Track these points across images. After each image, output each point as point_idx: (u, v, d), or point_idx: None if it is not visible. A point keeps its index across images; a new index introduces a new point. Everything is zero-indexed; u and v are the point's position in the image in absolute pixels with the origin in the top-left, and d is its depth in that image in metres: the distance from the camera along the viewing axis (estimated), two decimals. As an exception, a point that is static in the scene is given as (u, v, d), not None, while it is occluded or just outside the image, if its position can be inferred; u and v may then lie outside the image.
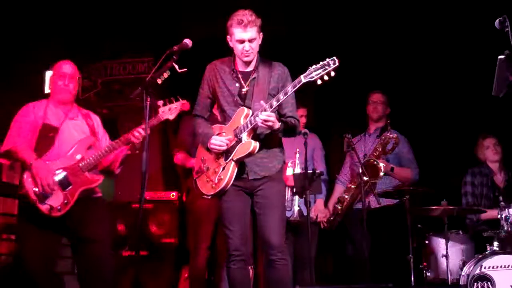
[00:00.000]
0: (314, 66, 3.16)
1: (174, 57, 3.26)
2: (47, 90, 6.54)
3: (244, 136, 3.37)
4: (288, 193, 4.61)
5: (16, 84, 6.28)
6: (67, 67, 3.90)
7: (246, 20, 3.35)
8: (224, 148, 3.41)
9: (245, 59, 3.45)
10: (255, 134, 3.41)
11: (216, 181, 3.44)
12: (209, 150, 3.51)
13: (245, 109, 3.41)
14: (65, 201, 3.63)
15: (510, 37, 2.77)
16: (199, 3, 5.88)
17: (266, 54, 3.58)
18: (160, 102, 3.84)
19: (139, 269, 5.08)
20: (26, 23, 6.20)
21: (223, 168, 3.42)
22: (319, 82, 3.14)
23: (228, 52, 3.59)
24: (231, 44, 3.47)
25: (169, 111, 3.78)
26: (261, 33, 3.46)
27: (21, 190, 3.67)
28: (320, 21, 5.82)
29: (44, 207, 3.59)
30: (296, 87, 3.21)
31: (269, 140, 3.46)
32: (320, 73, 3.13)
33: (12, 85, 6.26)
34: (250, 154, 3.36)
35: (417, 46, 5.57)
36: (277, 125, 3.30)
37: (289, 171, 4.64)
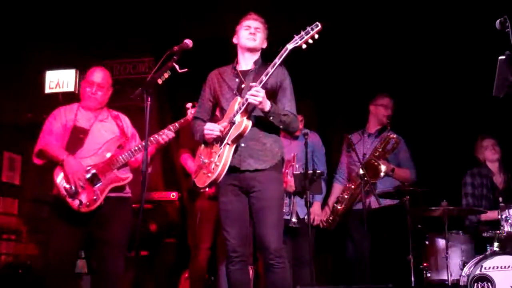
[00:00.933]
0: (298, 35, 3.27)
1: (174, 57, 3.27)
2: (47, 90, 6.55)
3: (237, 117, 3.38)
4: (286, 198, 4.60)
5: (16, 84, 6.29)
6: (98, 75, 3.98)
7: (257, 16, 3.60)
8: (217, 133, 3.42)
9: (250, 43, 3.54)
10: (249, 117, 3.40)
11: (212, 169, 3.42)
12: (205, 144, 3.53)
13: (238, 98, 3.44)
14: (94, 197, 3.69)
15: (510, 38, 2.77)
16: (199, 3, 5.88)
17: (267, 55, 3.59)
18: (189, 105, 3.95)
19: (139, 269, 5.08)
20: (26, 23, 6.20)
21: (218, 156, 3.41)
22: (304, 46, 3.25)
23: (228, 53, 3.60)
24: (236, 41, 3.59)
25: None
26: (266, 41, 3.61)
27: (52, 189, 3.74)
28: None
29: (74, 202, 3.66)
30: (283, 56, 3.28)
31: (266, 133, 3.47)
32: (303, 37, 3.24)
33: (12, 85, 6.26)
34: (243, 134, 3.35)
35: (417, 46, 5.56)
36: (268, 105, 3.32)
37: (287, 177, 4.64)
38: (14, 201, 6.39)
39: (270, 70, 3.30)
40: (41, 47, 6.30)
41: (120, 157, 3.80)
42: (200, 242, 4.61)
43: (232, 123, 3.39)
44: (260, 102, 3.28)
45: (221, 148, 3.41)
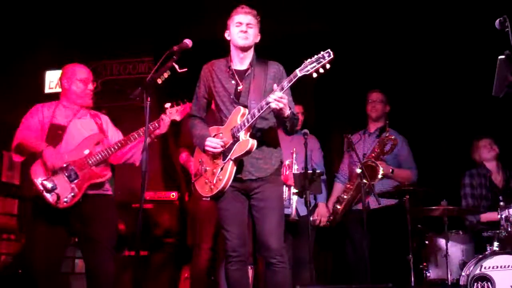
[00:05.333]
0: (309, 60, 3.16)
1: (174, 57, 3.27)
2: (47, 90, 6.55)
3: (242, 134, 3.35)
4: (286, 192, 4.61)
5: (16, 84, 6.29)
6: (86, 71, 3.99)
7: (248, 9, 3.48)
8: (219, 150, 3.41)
9: (241, 42, 3.44)
10: (252, 133, 3.40)
11: (214, 182, 3.43)
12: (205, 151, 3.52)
13: (241, 108, 3.41)
14: (72, 193, 3.68)
15: (510, 37, 2.77)
16: (199, 3, 5.88)
17: (265, 54, 3.58)
18: (168, 104, 3.93)
19: (139, 269, 5.08)
20: (26, 23, 6.20)
21: (221, 169, 3.41)
22: (314, 75, 3.14)
23: (227, 53, 3.59)
24: (228, 37, 3.51)
25: (176, 112, 3.94)
26: (259, 35, 3.52)
27: (31, 188, 3.71)
28: (319, 20, 5.82)
29: (51, 197, 3.63)
30: (292, 82, 3.20)
31: (264, 140, 3.46)
32: (315, 66, 3.13)
33: (12, 85, 6.27)
34: (248, 152, 3.34)
35: (417, 46, 5.57)
36: (288, 111, 3.28)
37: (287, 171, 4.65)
38: (14, 201, 6.38)
39: (285, 85, 3.21)
40: (41, 47, 6.30)
41: (98, 154, 3.79)
42: (202, 242, 4.61)
43: (235, 138, 3.37)
44: (281, 108, 3.24)
45: (224, 162, 3.40)
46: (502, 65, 2.84)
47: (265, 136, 3.46)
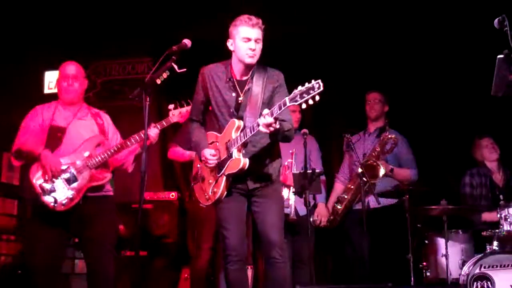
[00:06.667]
0: (299, 89, 3.04)
1: (173, 57, 3.27)
2: (46, 90, 6.57)
3: (235, 152, 3.33)
4: (286, 192, 4.61)
5: (16, 84, 6.30)
6: (71, 68, 3.93)
7: (255, 20, 3.33)
8: (213, 164, 3.42)
9: (249, 60, 3.34)
10: (246, 147, 3.38)
11: (210, 193, 3.46)
12: None
13: (236, 121, 3.37)
14: (71, 197, 3.67)
15: (509, 37, 2.77)
16: (199, 4, 5.88)
17: (264, 55, 3.57)
18: (171, 106, 3.92)
19: (139, 269, 5.07)
20: (26, 24, 6.20)
21: (216, 181, 3.43)
22: (304, 106, 3.06)
23: (227, 53, 3.57)
24: (231, 47, 3.41)
25: (179, 114, 3.92)
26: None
27: (30, 190, 3.70)
28: (319, 20, 5.82)
29: (48, 200, 3.63)
30: (282, 109, 3.11)
31: (265, 150, 3.45)
32: (304, 97, 3.01)
33: (12, 85, 6.27)
34: (241, 170, 3.32)
35: (416, 46, 5.57)
36: (280, 135, 3.28)
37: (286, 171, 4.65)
38: (14, 202, 6.39)
39: (275, 110, 3.11)
40: (40, 48, 6.30)
41: (99, 156, 3.77)
42: (202, 242, 4.61)
43: (229, 153, 3.36)
44: (272, 132, 3.18)
45: (218, 176, 3.42)
46: (501, 64, 2.84)
47: (266, 147, 3.45)
